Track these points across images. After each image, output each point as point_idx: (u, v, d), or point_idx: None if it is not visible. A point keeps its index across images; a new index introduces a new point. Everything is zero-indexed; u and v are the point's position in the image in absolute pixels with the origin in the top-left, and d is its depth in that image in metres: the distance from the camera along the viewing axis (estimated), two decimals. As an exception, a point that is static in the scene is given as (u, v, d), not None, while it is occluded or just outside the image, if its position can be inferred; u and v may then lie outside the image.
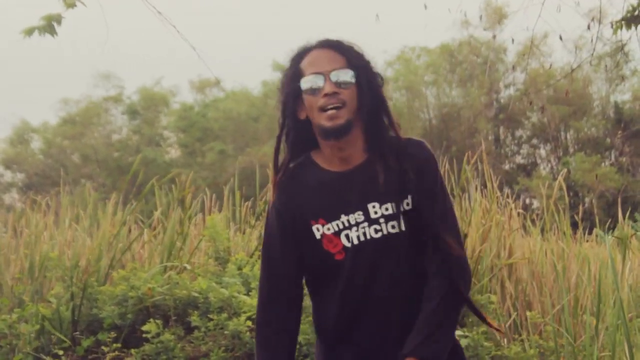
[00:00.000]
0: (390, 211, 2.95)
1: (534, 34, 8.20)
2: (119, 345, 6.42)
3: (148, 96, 39.91)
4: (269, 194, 3.20)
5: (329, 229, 2.97)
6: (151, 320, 6.41)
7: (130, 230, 9.24)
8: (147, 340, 6.35)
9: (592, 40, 8.19)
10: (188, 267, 7.56)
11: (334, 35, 3.03)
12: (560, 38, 8.58)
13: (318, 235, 2.99)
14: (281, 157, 3.09)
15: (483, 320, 3.18)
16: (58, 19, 5.30)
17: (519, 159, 37.00)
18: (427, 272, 2.96)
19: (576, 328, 6.94)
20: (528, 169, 35.08)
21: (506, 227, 7.91)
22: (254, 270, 7.10)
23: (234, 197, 9.71)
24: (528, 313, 6.96)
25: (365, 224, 2.96)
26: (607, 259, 7.08)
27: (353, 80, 2.93)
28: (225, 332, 6.28)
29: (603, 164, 32.42)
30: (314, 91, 2.93)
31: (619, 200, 9.65)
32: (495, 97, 35.57)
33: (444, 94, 36.08)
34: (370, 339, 3.00)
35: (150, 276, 6.97)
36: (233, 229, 9.28)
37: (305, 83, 2.94)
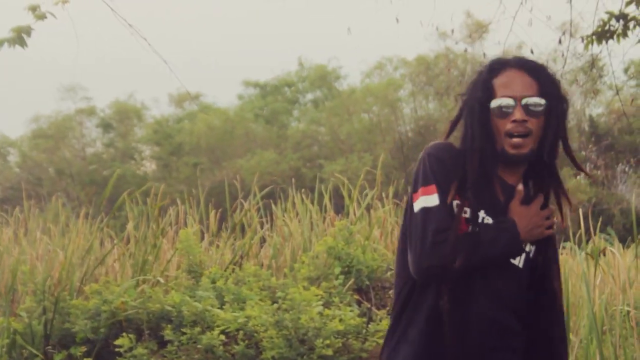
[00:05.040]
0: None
1: (507, 48, 8.22)
2: (91, 359, 6.38)
3: (121, 109, 39.79)
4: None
5: (465, 212, 2.93)
6: (124, 334, 6.38)
7: (102, 244, 9.20)
8: (120, 354, 6.32)
9: (562, 55, 8.23)
10: (161, 280, 7.53)
11: (529, 56, 3.09)
12: (532, 52, 8.58)
13: (455, 209, 2.93)
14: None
15: None
16: (28, 30, 5.28)
17: (494, 172, 37.14)
18: (539, 319, 3.04)
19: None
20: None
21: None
22: (228, 283, 7.08)
23: (207, 211, 9.69)
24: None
25: None
26: (580, 273, 7.09)
27: (542, 110, 2.92)
28: (199, 346, 6.26)
29: (578, 177, 32.57)
30: (503, 114, 2.91)
31: (589, 212, 9.67)
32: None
33: (420, 106, 36.16)
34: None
35: (123, 290, 6.94)
36: (206, 243, 9.25)
37: (496, 104, 2.92)
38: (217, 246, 8.99)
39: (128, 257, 8.55)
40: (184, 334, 6.37)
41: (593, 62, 8.45)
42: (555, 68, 4.26)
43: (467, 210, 2.90)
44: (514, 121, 2.88)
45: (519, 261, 2.96)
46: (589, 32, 7.63)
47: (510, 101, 2.90)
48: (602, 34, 7.49)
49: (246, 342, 6.30)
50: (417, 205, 2.89)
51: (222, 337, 6.26)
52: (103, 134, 40.49)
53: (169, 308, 6.65)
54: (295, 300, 6.48)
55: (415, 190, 2.92)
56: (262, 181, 10.19)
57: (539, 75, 2.95)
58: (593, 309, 6.37)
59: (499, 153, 2.92)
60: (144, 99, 43.98)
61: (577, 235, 8.17)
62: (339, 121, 33.44)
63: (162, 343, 6.49)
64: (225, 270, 7.64)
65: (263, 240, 9.29)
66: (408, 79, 35.76)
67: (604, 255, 8.75)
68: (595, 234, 8.24)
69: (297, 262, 7.85)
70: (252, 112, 37.78)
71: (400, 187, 11.89)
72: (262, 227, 9.35)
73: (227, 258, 8.39)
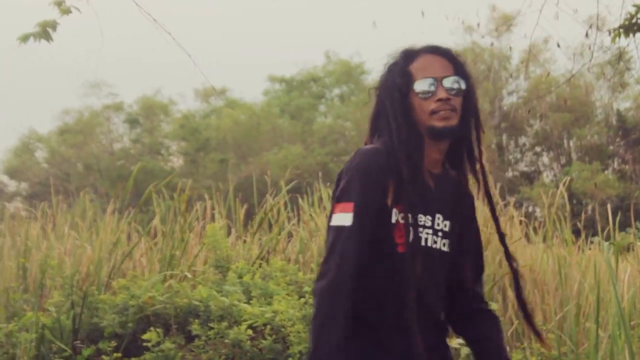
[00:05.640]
0: (447, 229, 3.03)
1: (534, 42, 8.19)
2: (119, 354, 6.40)
3: (148, 105, 39.93)
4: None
5: (402, 219, 2.94)
6: (152, 329, 6.40)
7: (129, 239, 9.24)
8: (147, 349, 6.34)
9: (590, 48, 8.18)
10: (188, 275, 7.55)
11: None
12: (558, 45, 8.55)
13: (394, 219, 2.95)
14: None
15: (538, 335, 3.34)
16: (53, 25, 5.31)
17: (522, 167, 37.00)
18: (467, 296, 3.14)
19: (579, 336, 6.92)
20: (531, 177, 35.05)
21: (507, 235, 7.89)
22: (255, 278, 7.09)
23: (235, 206, 9.70)
24: (530, 321, 6.92)
25: (430, 230, 3.00)
26: (607, 267, 7.05)
27: (462, 89, 3.00)
28: (226, 340, 6.26)
29: (606, 171, 32.39)
30: (426, 95, 2.96)
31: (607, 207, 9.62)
32: (498, 105, 35.54)
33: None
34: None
35: (151, 285, 6.96)
36: (233, 237, 9.26)
37: (419, 86, 2.98)
38: (244, 241, 9.00)
39: (155, 251, 8.59)
40: (212, 328, 6.38)
41: (620, 56, 8.40)
42: (583, 61, 4.26)
43: (407, 215, 2.93)
44: (439, 100, 2.94)
45: (442, 245, 3.02)
46: (616, 25, 7.59)
47: (433, 81, 2.96)
48: (630, 27, 7.45)
49: (273, 336, 6.30)
50: (334, 220, 2.91)
51: (250, 331, 6.26)
52: (130, 130, 40.66)
53: (197, 303, 6.66)
54: (322, 295, 6.46)
55: (337, 201, 2.93)
56: (289, 176, 10.16)
57: (452, 58, 3.03)
58: (621, 304, 6.33)
59: (428, 132, 2.97)
60: (170, 94, 44.11)
61: (606, 231, 8.13)
62: (365, 116, 33.30)
63: (190, 337, 6.51)
64: (252, 265, 7.65)
65: (290, 235, 9.29)
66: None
67: (633, 250, 8.71)
68: (620, 229, 8.19)
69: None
70: (278, 107, 37.79)
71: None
72: (289, 222, 9.35)
73: (254, 253, 8.40)
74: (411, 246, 2.91)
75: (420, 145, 2.98)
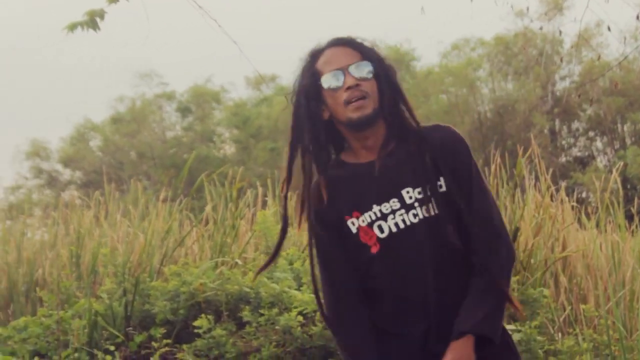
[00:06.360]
0: (422, 195, 2.94)
1: (587, 26, 8.10)
2: (169, 340, 6.44)
3: (199, 93, 40.11)
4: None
5: (363, 221, 2.97)
6: (203, 315, 6.43)
7: (181, 226, 9.29)
8: (198, 335, 6.37)
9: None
10: (239, 262, 7.57)
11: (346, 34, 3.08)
12: (609, 29, 8.43)
13: (354, 230, 2.99)
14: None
15: (510, 302, 3.06)
16: (101, 14, 5.34)
17: (575, 152, 36.63)
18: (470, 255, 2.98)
19: (631, 322, 6.85)
20: (585, 162, 34.69)
21: (559, 221, 7.83)
22: (305, 265, 7.09)
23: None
24: (582, 307, 6.88)
25: (403, 210, 2.95)
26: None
27: (371, 73, 2.96)
28: (277, 327, 6.28)
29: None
30: (335, 87, 2.96)
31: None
32: (551, 90, 35.20)
33: (499, 86, 35.81)
34: (411, 326, 2.99)
35: (202, 272, 6.99)
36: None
37: (326, 81, 2.97)
38: (299, 227, 8.98)
39: (207, 238, 8.62)
40: (262, 315, 6.39)
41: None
42: (636, 45, 4.19)
43: (362, 219, 2.98)
44: (349, 88, 2.92)
45: (421, 213, 2.96)
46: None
47: (338, 72, 2.95)
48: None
49: (323, 323, 6.31)
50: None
51: (300, 318, 6.27)
52: (182, 118, 40.90)
53: (247, 289, 6.68)
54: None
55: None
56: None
57: (356, 45, 3.01)
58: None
59: (347, 124, 2.97)
60: (222, 82, 44.24)
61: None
62: (416, 102, 33.20)
63: (241, 324, 6.53)
64: (302, 252, 7.66)
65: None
66: (486, 59, 35.43)
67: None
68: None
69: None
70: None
71: (480, 167, 11.75)
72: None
73: (304, 239, 8.39)
74: (384, 241, 2.96)
75: (327, 152, 3.07)
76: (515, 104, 34.39)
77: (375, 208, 2.96)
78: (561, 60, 33.43)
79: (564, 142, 36.46)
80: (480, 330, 2.88)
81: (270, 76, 38.34)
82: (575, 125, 36.50)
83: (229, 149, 40.58)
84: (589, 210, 8.74)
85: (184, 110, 40.46)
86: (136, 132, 39.19)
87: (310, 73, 3.01)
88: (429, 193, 2.93)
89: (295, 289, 6.69)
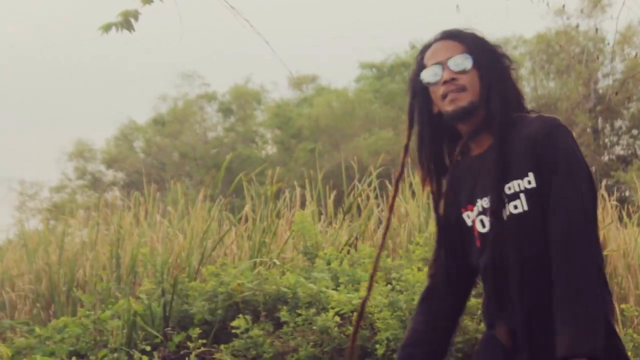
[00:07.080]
0: (512, 191, 2.88)
1: (630, 23, 8.03)
2: (204, 340, 6.46)
3: (240, 94, 40.21)
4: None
5: (473, 215, 3.01)
6: (241, 315, 6.45)
7: (221, 226, 9.32)
8: (236, 335, 6.39)
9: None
10: (277, 262, 7.59)
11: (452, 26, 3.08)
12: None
13: (469, 222, 3.02)
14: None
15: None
16: (135, 14, 5.38)
17: (618, 150, 36.27)
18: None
19: (673, 322, 6.78)
20: (628, 160, 34.34)
21: (600, 219, 7.76)
22: (343, 265, 7.09)
23: (325, 193, 9.69)
24: (622, 306, 6.81)
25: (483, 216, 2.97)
26: None
27: (470, 65, 2.95)
28: (314, 327, 6.28)
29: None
30: (434, 82, 2.99)
31: None
32: (594, 88, 34.90)
33: (541, 84, 35.58)
34: (498, 321, 3.00)
35: (240, 272, 7.01)
36: (322, 224, 9.26)
37: (425, 75, 3.01)
38: (334, 227, 8.99)
39: (245, 238, 8.65)
40: (300, 315, 6.40)
41: None
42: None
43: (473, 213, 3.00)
44: (445, 82, 2.93)
45: (481, 226, 2.98)
46: None
47: (437, 67, 2.97)
48: None
49: (361, 323, 6.30)
50: None
51: (337, 318, 6.27)
52: (224, 119, 41.03)
53: (285, 289, 6.69)
54: (409, 281, 6.45)
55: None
56: (380, 162, 10.15)
57: (462, 37, 3.00)
58: None
59: (445, 118, 2.99)
60: (262, 82, 44.30)
61: None
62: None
63: (278, 324, 6.54)
64: (340, 252, 7.65)
65: (379, 221, 9.26)
66: (528, 57, 35.21)
67: None
68: None
69: (413, 243, 7.80)
70: (371, 92, 37.70)
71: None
72: (378, 208, 9.32)
73: (342, 239, 8.40)
74: (483, 236, 2.98)
75: (440, 141, 3.09)
76: (557, 102, 34.12)
77: (479, 202, 2.97)
78: (597, 58, 33.11)
79: (606, 141, 36.13)
80: (580, 349, 2.66)
81: (311, 76, 38.42)
82: (618, 123, 36.16)
83: (271, 150, 40.65)
84: (631, 209, 8.67)
85: (225, 111, 40.58)
86: (178, 132, 39.35)
87: (418, 68, 3.06)
88: (517, 189, 2.88)
89: (333, 289, 6.69)
